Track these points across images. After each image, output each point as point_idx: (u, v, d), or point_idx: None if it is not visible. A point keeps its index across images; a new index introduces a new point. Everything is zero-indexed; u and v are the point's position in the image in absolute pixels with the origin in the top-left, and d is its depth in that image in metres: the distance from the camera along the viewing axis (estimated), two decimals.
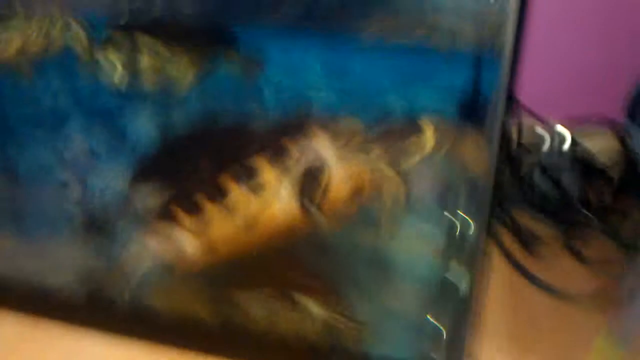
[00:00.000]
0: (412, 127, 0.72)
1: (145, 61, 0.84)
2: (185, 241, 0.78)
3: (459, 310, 0.68)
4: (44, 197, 0.97)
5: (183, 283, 0.82)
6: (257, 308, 0.81)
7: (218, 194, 0.74)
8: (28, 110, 0.97)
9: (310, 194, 0.72)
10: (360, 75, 0.88)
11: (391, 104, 0.86)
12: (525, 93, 1.13)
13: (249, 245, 0.77)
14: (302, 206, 0.72)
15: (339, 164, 0.73)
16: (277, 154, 0.73)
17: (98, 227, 0.87)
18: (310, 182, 0.72)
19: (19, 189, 0.98)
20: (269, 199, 0.73)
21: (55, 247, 0.90)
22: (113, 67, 0.83)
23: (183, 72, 0.86)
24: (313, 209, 0.72)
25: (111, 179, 0.97)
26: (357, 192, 0.74)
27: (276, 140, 0.74)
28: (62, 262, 0.88)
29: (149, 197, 0.80)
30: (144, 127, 0.97)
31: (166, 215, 0.78)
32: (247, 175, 0.73)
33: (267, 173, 0.73)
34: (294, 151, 0.73)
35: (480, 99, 0.88)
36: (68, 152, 0.99)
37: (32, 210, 0.97)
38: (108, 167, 0.97)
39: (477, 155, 0.72)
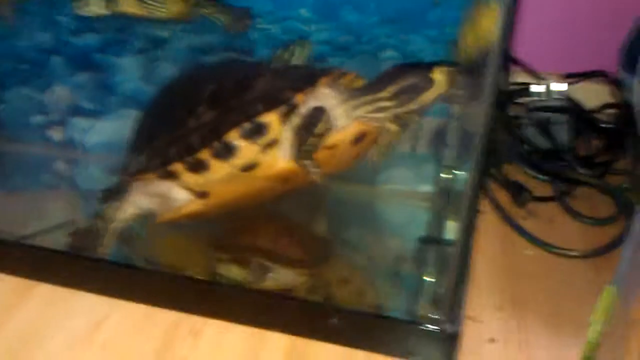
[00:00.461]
0: (420, 70, 0.71)
1: None
2: (179, 192, 0.76)
3: (451, 264, 0.66)
4: (27, 146, 0.94)
5: (169, 234, 0.81)
6: (242, 266, 0.80)
7: (224, 150, 0.71)
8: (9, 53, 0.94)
9: (307, 142, 0.70)
10: (353, 17, 0.86)
11: (386, 46, 0.84)
12: (517, 46, 1.11)
13: (242, 194, 0.75)
14: (298, 155, 0.70)
15: (342, 110, 0.71)
16: (281, 105, 0.70)
17: (81, 176, 0.85)
18: (308, 131, 0.70)
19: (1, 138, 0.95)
20: (271, 148, 0.72)
21: (38, 198, 0.88)
22: None
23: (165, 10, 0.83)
24: (307, 159, 0.70)
25: (98, 127, 0.94)
26: (360, 137, 0.73)
27: (280, 92, 0.71)
28: (45, 214, 0.87)
29: (145, 150, 0.77)
30: (129, 71, 0.95)
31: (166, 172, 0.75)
32: (254, 128, 0.70)
33: (272, 122, 0.70)
34: (298, 102, 0.71)
35: None
36: (51, 97, 0.96)
37: (14, 160, 0.95)
38: (93, 114, 0.95)
39: (472, 100, 0.70)
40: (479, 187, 0.63)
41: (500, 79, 0.58)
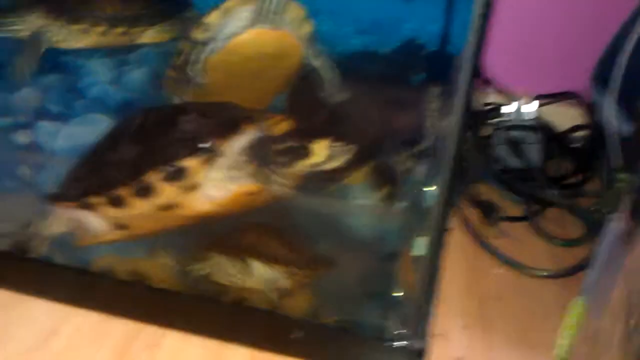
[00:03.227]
0: (301, 137, 0.71)
1: None
2: (97, 222, 0.75)
3: (421, 280, 0.65)
4: None
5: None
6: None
7: (142, 190, 0.70)
8: None
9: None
10: None
11: None
12: (488, 66, 1.11)
13: (164, 228, 0.75)
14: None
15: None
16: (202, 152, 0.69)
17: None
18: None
19: None
20: (192, 190, 0.70)
21: None
22: None
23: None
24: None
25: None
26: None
27: (202, 137, 0.70)
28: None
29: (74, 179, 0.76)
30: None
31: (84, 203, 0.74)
32: (173, 171, 0.69)
33: (192, 167, 0.69)
34: (220, 148, 0.70)
35: (447, 56, 0.86)
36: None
37: None
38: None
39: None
40: (449, 204, 0.62)
41: (471, 98, 0.58)
